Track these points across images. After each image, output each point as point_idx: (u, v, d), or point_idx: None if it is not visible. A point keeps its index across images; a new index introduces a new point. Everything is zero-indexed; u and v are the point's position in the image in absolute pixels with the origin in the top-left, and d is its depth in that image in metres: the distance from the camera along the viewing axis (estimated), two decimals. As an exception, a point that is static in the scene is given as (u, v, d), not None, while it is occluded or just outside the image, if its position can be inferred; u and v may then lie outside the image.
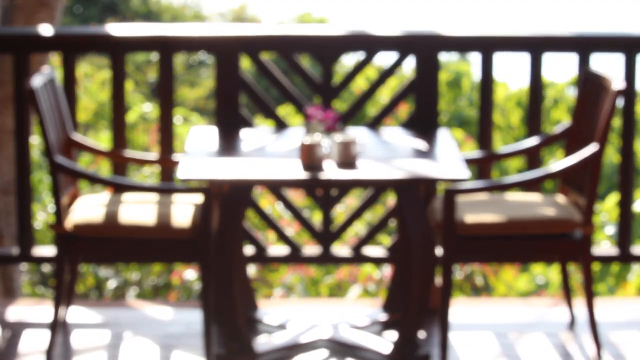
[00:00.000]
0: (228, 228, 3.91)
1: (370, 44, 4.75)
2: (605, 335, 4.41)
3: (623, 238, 4.83)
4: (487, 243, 4.10)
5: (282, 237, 4.87)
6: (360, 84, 9.77)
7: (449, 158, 4.04)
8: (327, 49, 4.75)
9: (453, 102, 10.69)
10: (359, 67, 4.80)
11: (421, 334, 4.02)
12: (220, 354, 4.01)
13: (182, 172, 3.80)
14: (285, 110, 8.27)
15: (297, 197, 6.85)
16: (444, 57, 12.02)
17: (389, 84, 9.52)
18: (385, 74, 4.75)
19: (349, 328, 4.36)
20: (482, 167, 4.76)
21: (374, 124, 4.77)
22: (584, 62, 4.73)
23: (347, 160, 3.89)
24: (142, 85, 14.21)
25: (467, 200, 4.25)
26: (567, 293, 4.49)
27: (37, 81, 4.07)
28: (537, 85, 4.78)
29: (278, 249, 4.88)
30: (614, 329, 4.48)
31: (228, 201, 3.92)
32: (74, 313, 4.58)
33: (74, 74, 4.74)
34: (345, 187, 4.76)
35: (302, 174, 3.80)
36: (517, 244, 4.11)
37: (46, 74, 4.25)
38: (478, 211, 4.14)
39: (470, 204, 4.22)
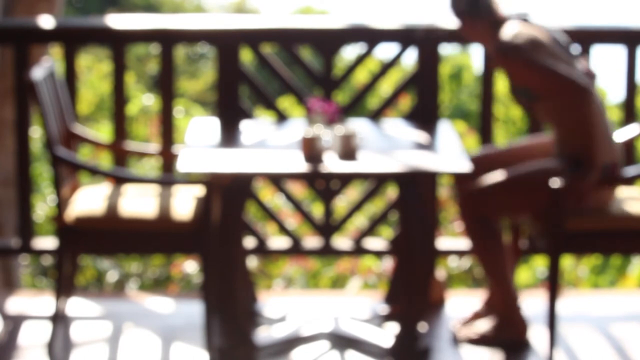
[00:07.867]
0: (229, 220, 3.90)
1: (371, 36, 4.73)
2: (605, 328, 4.40)
3: None
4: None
5: (283, 230, 4.86)
6: (360, 77, 9.75)
7: (451, 150, 4.03)
8: (328, 40, 4.73)
9: (455, 95, 10.69)
10: (360, 59, 4.79)
11: (422, 327, 4.01)
12: (220, 346, 4.00)
13: (183, 165, 3.79)
14: (286, 102, 8.26)
15: (297, 189, 6.84)
16: (446, 50, 12.01)
17: (390, 76, 9.50)
18: (387, 66, 4.74)
19: (349, 321, 4.36)
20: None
21: (375, 115, 4.76)
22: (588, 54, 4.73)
23: (348, 152, 3.88)
24: (143, 77, 14.20)
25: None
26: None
27: (37, 73, 4.06)
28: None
29: (279, 241, 4.88)
30: (615, 322, 4.48)
31: (229, 193, 3.91)
32: (75, 305, 4.58)
33: (75, 66, 4.73)
34: (346, 179, 4.75)
35: (303, 166, 3.79)
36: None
37: (46, 66, 4.24)
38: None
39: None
